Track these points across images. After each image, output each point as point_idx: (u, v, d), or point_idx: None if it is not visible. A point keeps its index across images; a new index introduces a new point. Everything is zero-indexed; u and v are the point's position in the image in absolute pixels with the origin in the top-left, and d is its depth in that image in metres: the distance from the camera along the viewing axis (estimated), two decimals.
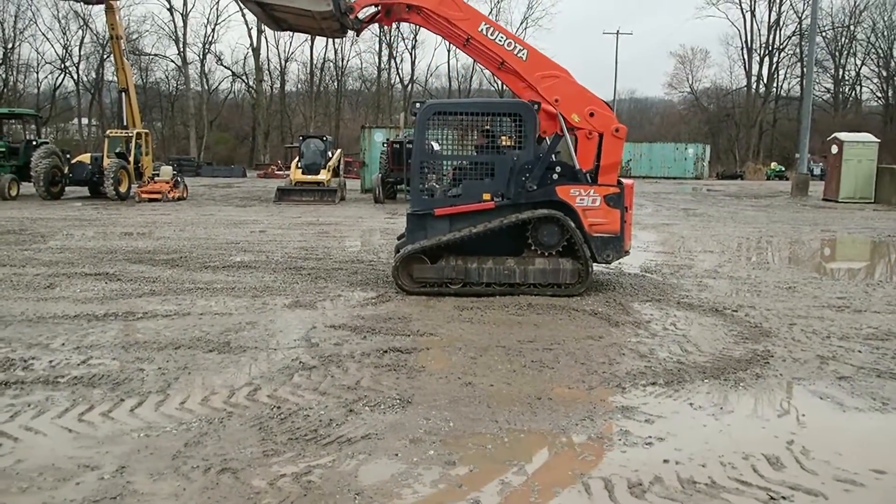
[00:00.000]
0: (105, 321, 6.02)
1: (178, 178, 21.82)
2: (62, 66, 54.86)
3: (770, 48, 59.99)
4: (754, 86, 61.33)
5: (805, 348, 5.41)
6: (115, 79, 24.36)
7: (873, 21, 58.88)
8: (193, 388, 4.36)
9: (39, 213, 16.01)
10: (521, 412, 4.03)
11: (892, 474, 3.33)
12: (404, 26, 58.59)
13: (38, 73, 55.78)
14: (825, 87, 62.37)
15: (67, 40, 55.06)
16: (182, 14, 53.88)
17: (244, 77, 59.28)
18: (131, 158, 21.14)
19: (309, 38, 57.99)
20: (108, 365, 4.79)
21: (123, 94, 22.17)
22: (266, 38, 56.95)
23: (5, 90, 50.98)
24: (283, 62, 60.70)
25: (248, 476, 3.20)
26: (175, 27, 54.72)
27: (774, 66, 60.76)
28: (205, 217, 15.83)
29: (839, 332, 5.93)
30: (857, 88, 63.54)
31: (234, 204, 20.21)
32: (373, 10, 7.74)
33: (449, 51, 60.96)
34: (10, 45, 52.13)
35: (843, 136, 24.48)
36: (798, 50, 58.50)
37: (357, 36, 8.68)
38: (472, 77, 61.55)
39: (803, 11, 54.99)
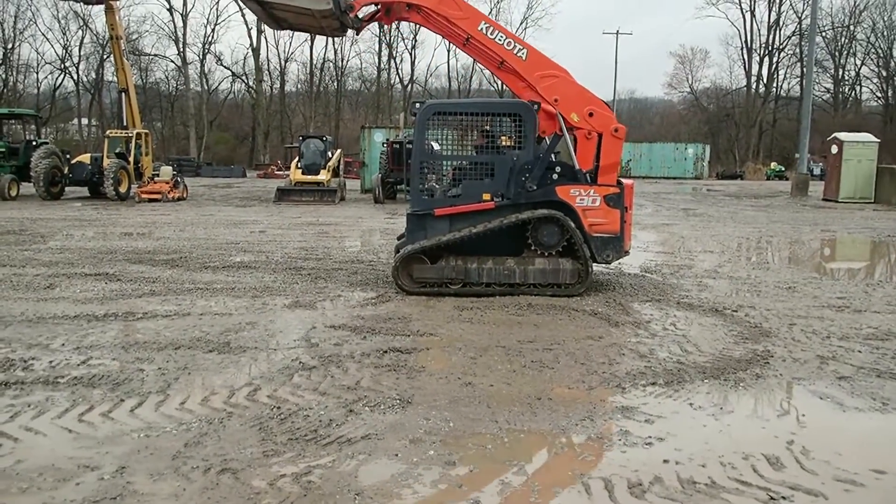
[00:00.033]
0: (105, 321, 6.02)
1: (178, 179, 21.82)
2: (62, 66, 54.93)
3: (770, 48, 60.06)
4: (754, 86, 61.38)
5: (805, 348, 5.41)
6: (115, 79, 24.39)
7: (873, 21, 58.99)
8: (193, 389, 4.36)
9: (39, 214, 16.01)
10: (521, 412, 4.03)
11: (892, 474, 3.33)
12: (404, 26, 58.64)
13: (37, 73, 55.89)
14: (825, 87, 62.46)
15: (67, 40, 55.17)
16: (182, 14, 53.98)
17: (244, 77, 59.35)
18: (131, 159, 21.14)
19: (309, 38, 58.11)
20: (107, 365, 4.79)
21: (123, 94, 22.18)
22: (266, 38, 57.03)
23: (5, 90, 50.99)
24: (282, 62, 60.87)
25: (248, 476, 3.20)
26: (175, 27, 54.81)
27: (774, 66, 60.85)
28: (205, 217, 15.83)
29: (839, 332, 5.93)
30: (857, 88, 63.67)
31: (233, 204, 20.21)
32: (373, 8, 7.74)
33: (449, 51, 61.07)
34: (9, 46, 52.19)
35: (842, 136, 24.48)
36: (798, 50, 58.55)
37: (357, 34, 8.69)
38: (471, 77, 61.64)
39: (803, 11, 55.07)
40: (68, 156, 21.91)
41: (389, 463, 3.37)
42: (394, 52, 60.84)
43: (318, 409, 4.03)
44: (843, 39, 60.22)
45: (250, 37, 56.40)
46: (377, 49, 60.00)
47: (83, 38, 54.28)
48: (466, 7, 7.51)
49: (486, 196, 7.25)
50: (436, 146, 7.88)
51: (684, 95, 66.97)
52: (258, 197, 23.03)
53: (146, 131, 23.31)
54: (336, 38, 56.82)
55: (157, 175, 21.88)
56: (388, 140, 22.93)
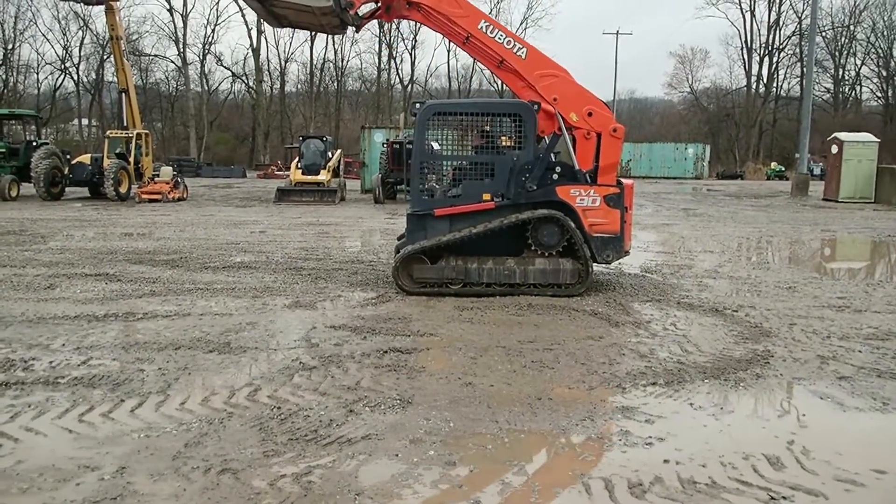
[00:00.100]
0: (105, 322, 6.03)
1: (178, 179, 21.83)
2: (62, 66, 54.95)
3: (770, 48, 60.07)
4: (754, 86, 61.39)
5: (805, 348, 5.41)
6: (115, 79, 24.40)
7: (873, 21, 58.99)
8: (194, 389, 4.36)
9: (39, 214, 16.01)
10: (522, 412, 4.03)
11: (892, 474, 3.33)
12: (404, 26, 58.76)
13: (38, 73, 55.92)
14: (825, 87, 62.46)
15: (67, 41, 55.20)
16: (182, 15, 54.01)
17: (244, 77, 59.37)
18: (131, 159, 21.16)
19: (309, 38, 58.20)
20: (108, 365, 4.79)
21: (123, 94, 22.20)
22: (266, 38, 57.06)
23: (5, 91, 51.01)
24: (282, 63, 60.82)
25: (248, 476, 3.20)
26: (175, 28, 54.85)
27: (774, 66, 60.85)
28: (205, 217, 15.83)
29: (839, 332, 5.92)
30: (857, 88, 63.67)
31: (234, 204, 20.21)
32: (373, 6, 7.75)
33: (449, 51, 61.09)
34: (10, 46, 52.24)
35: (843, 135, 24.48)
36: (798, 50, 58.55)
37: (357, 32, 8.69)
38: (471, 77, 61.65)
39: (803, 11, 55.07)
40: (68, 156, 21.92)
41: (390, 463, 3.37)
42: (394, 53, 60.91)
43: (318, 409, 4.03)
44: (843, 39, 60.30)
45: (250, 37, 56.51)
46: (377, 49, 60.10)
47: (83, 38, 54.42)
48: (466, 5, 7.52)
49: (487, 196, 7.25)
50: (436, 146, 7.88)
51: (684, 95, 67.07)
52: (258, 197, 23.03)
53: (146, 132, 23.32)
54: (336, 39, 56.77)
55: (158, 175, 21.89)
56: (388, 140, 22.93)
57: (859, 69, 61.90)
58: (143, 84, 52.80)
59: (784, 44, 60.08)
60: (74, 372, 4.63)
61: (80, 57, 54.65)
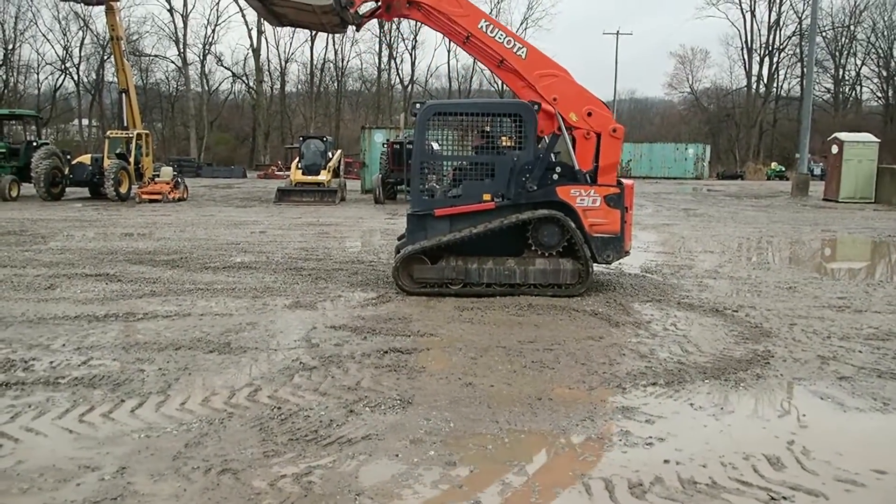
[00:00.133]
0: (105, 322, 6.03)
1: (179, 179, 21.84)
2: (62, 67, 54.97)
3: (770, 48, 60.05)
4: (754, 86, 61.38)
5: (806, 348, 5.40)
6: (116, 80, 24.40)
7: (873, 21, 58.98)
8: (194, 389, 4.36)
9: (40, 214, 16.02)
10: (522, 413, 4.03)
11: (892, 475, 3.33)
12: (404, 26, 58.77)
13: (38, 74, 55.94)
14: (825, 88, 62.44)
15: (68, 41, 55.21)
16: (182, 15, 54.00)
17: (244, 78, 59.37)
18: (132, 159, 21.16)
19: (309, 39, 58.22)
20: (108, 366, 4.79)
21: (124, 94, 22.22)
22: (266, 38, 57.10)
23: (6, 91, 51.02)
24: (283, 63, 60.77)
25: (248, 477, 3.20)
26: (175, 28, 54.86)
27: (774, 66, 60.83)
28: (205, 218, 15.83)
29: (840, 332, 5.92)
30: (858, 88, 63.65)
31: (234, 205, 20.22)
32: (373, 5, 7.75)
33: (449, 51, 61.09)
34: (10, 47, 52.25)
35: (843, 136, 24.48)
36: (798, 50, 58.53)
37: (357, 31, 8.69)
38: (472, 77, 61.65)
39: (803, 11, 55.07)
40: (69, 156, 21.93)
41: (390, 463, 3.37)
42: (394, 53, 60.91)
43: (318, 409, 4.03)
44: (843, 39, 60.27)
45: (251, 37, 56.53)
46: (377, 49, 60.11)
47: (84, 38, 54.44)
48: (466, 5, 7.52)
49: (487, 196, 7.25)
50: (436, 146, 7.88)
51: (685, 96, 67.07)
52: (258, 197, 23.04)
53: (147, 132, 23.32)
54: (336, 39, 56.72)
55: (158, 176, 21.90)
56: (388, 140, 22.93)
57: (859, 69, 62.00)
58: (144, 84, 52.83)
59: (784, 44, 60.14)
60: (75, 372, 4.63)
61: (80, 57, 54.75)
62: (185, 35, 54.26)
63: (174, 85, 58.32)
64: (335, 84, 61.79)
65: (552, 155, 7.40)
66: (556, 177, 7.29)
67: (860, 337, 5.77)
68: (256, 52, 56.51)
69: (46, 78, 56.50)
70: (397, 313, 6.46)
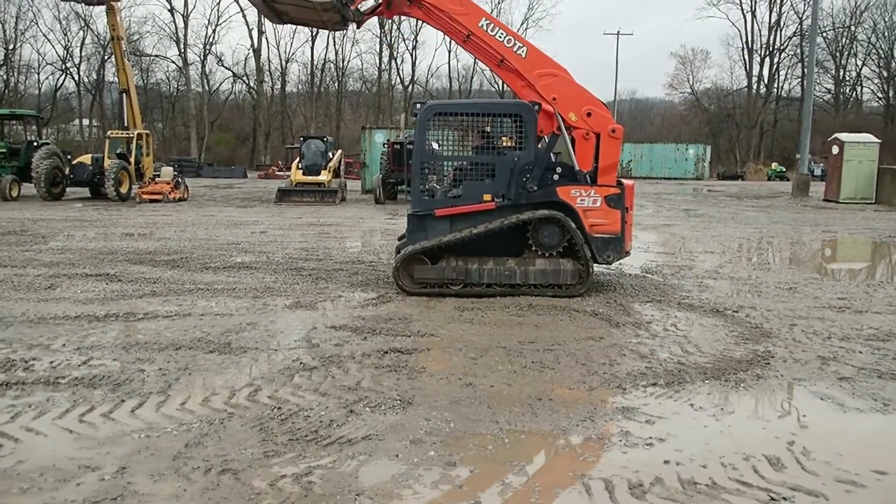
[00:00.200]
0: (106, 322, 6.03)
1: (179, 179, 21.85)
2: (63, 67, 55.01)
3: (771, 49, 60.04)
4: (755, 86, 61.38)
5: (806, 349, 5.40)
6: (116, 80, 24.40)
7: (874, 21, 59.00)
8: (194, 389, 4.36)
9: (40, 214, 16.02)
10: (522, 413, 4.03)
11: (893, 475, 3.33)
12: (405, 26, 58.81)
13: (38, 74, 55.99)
14: (826, 88, 62.45)
15: (68, 41, 55.28)
16: (183, 15, 54.06)
17: (245, 78, 59.39)
18: (132, 159, 21.17)
19: (310, 39, 58.29)
20: (108, 366, 4.79)
21: (124, 94, 22.23)
22: (267, 38, 57.25)
23: (6, 91, 51.05)
24: (283, 63, 60.78)
25: (248, 477, 3.21)
26: (176, 28, 54.92)
27: (775, 66, 60.82)
28: (205, 218, 15.84)
29: (840, 332, 5.92)
30: (858, 89, 63.66)
31: (234, 205, 20.22)
32: (373, 2, 7.76)
33: (450, 51, 61.15)
34: (11, 47, 52.31)
35: (843, 136, 24.47)
36: (799, 50, 58.53)
37: (357, 28, 8.70)
38: (472, 78, 61.67)
39: (804, 12, 55.06)
40: (69, 156, 21.94)
41: (390, 463, 3.37)
42: (395, 53, 60.92)
43: (318, 409, 4.03)
44: (843, 40, 60.27)
45: (251, 37, 56.59)
46: (378, 49, 60.16)
47: (84, 38, 54.49)
48: (467, 3, 7.52)
49: (487, 197, 7.25)
50: (436, 147, 7.88)
51: (685, 96, 67.08)
52: (259, 197, 23.04)
53: (147, 132, 23.33)
54: (337, 39, 56.67)
55: (158, 176, 21.91)
56: (388, 141, 22.93)
57: (860, 70, 62.00)
58: (144, 84, 52.86)
59: (785, 44, 60.14)
60: (75, 372, 4.64)
61: (80, 57, 54.79)
62: (185, 35, 54.37)
63: (175, 85, 58.42)
64: (336, 84, 61.84)
65: (552, 155, 7.41)
66: (556, 177, 7.29)
67: (860, 337, 5.77)
68: (257, 52, 56.58)
69: (47, 78, 56.65)
70: (398, 313, 6.46)
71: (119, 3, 22.16)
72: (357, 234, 13.50)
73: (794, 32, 58.58)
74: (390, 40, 59.78)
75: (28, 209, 17.32)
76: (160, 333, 5.65)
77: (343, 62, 61.09)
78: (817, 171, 39.96)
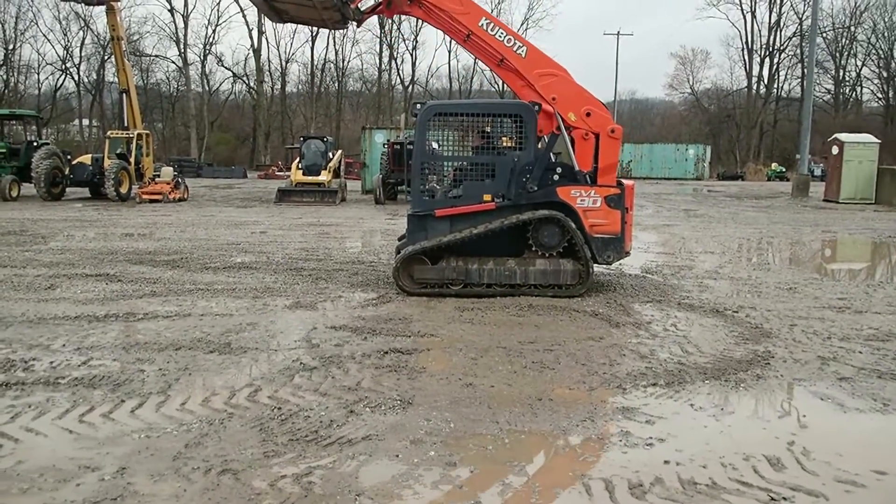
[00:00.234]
0: (106, 322, 6.03)
1: (179, 179, 21.85)
2: (63, 67, 55.03)
3: (770, 49, 60.05)
4: (755, 87, 61.39)
5: (806, 349, 5.40)
6: (116, 80, 24.41)
7: (874, 22, 59.00)
8: (194, 389, 4.36)
9: (40, 214, 16.02)
10: (522, 413, 4.03)
11: (893, 475, 3.33)
12: (405, 27, 58.81)
13: (38, 74, 56.00)
14: (826, 88, 62.45)
15: (68, 41, 55.28)
16: (183, 15, 54.08)
17: (245, 78, 59.39)
18: (132, 159, 21.18)
19: (310, 39, 58.30)
20: (108, 366, 4.79)
21: (124, 95, 22.23)
22: (267, 39, 57.31)
23: (6, 91, 51.06)
24: (283, 63, 60.78)
25: (248, 477, 3.20)
26: (176, 28, 54.93)
27: (775, 66, 60.84)
28: (205, 218, 15.84)
29: (840, 333, 5.92)
30: (858, 89, 63.66)
31: (234, 205, 20.22)
32: (373, 0, 7.77)
33: (450, 52, 61.16)
34: (11, 47, 52.31)
35: (843, 136, 24.48)
36: (798, 51, 58.53)
37: (358, 27, 8.70)
38: (472, 78, 61.67)
39: (804, 12, 55.07)
40: (69, 157, 21.95)
41: (390, 464, 3.37)
42: (395, 53, 60.92)
43: (318, 409, 4.03)
44: (843, 40, 60.28)
45: (251, 37, 56.58)
46: (378, 50, 60.18)
47: (84, 38, 54.50)
48: (467, 2, 7.53)
49: (487, 197, 7.25)
50: (436, 147, 7.89)
51: (685, 96, 67.11)
52: (259, 198, 23.04)
53: (147, 132, 23.33)
54: (337, 40, 56.61)
55: (158, 176, 21.91)
56: (388, 141, 22.93)
57: (860, 70, 62.02)
58: (144, 84, 52.86)
59: (785, 45, 60.15)
60: (75, 372, 4.64)
61: (80, 57, 54.80)
62: (185, 35, 54.38)
63: (175, 85, 58.43)
64: (336, 84, 61.84)
65: (553, 156, 7.41)
66: (556, 177, 7.29)
67: (860, 338, 5.77)
68: (257, 52, 56.59)
69: (47, 78, 56.66)
70: (398, 314, 6.46)
71: (119, 3, 22.16)
72: (357, 234, 13.50)
73: (794, 33, 58.66)
74: (390, 40, 59.83)
75: (28, 209, 17.32)
76: (160, 334, 5.65)
77: (343, 62, 61.19)
78: (817, 172, 39.97)
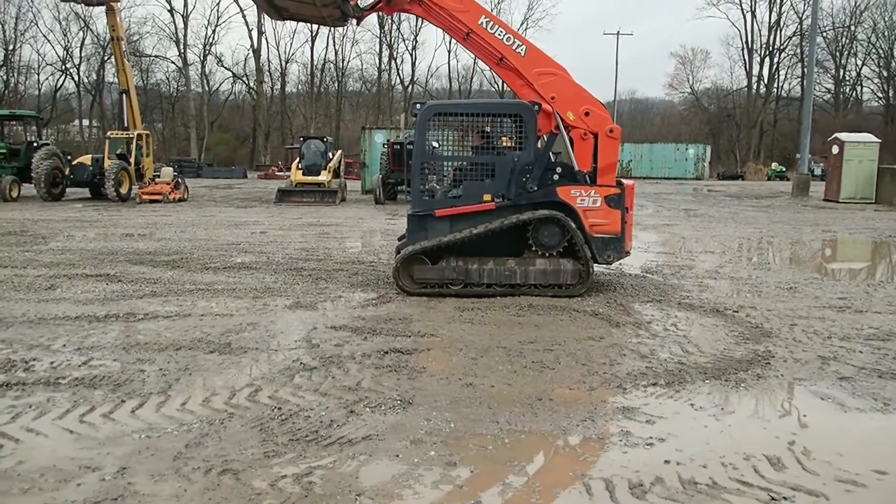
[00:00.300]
0: (106, 322, 6.03)
1: (179, 180, 21.85)
2: (63, 67, 55.03)
3: (771, 48, 60.04)
4: (755, 86, 61.38)
5: (806, 349, 5.40)
6: (116, 80, 24.41)
7: (874, 21, 59.01)
8: (194, 389, 4.36)
9: (40, 215, 16.03)
10: (522, 413, 4.03)
11: (893, 475, 3.33)
12: (405, 27, 58.81)
13: (38, 74, 55.99)
14: (826, 88, 62.45)
15: (68, 42, 55.27)
16: (183, 15, 54.07)
17: (245, 78, 59.39)
18: (132, 160, 21.18)
19: (309, 39, 58.33)
20: (109, 366, 4.79)
21: (124, 95, 22.23)
22: (266, 39, 57.38)
23: (6, 92, 51.06)
24: (283, 63, 60.77)
25: (248, 477, 3.21)
26: (176, 28, 54.92)
27: (775, 66, 60.82)
28: (205, 218, 15.84)
29: (840, 332, 5.92)
30: (858, 89, 63.67)
31: (234, 205, 20.22)
32: None
33: (449, 52, 61.15)
34: (11, 47, 52.31)
35: (843, 136, 24.47)
36: (799, 50, 58.53)
37: (357, 24, 8.70)
38: (472, 78, 61.67)
39: (804, 12, 55.06)
40: (69, 157, 21.95)
41: (390, 464, 3.37)
42: (394, 53, 60.91)
43: (318, 409, 4.03)
44: (843, 40, 60.29)
45: (251, 38, 56.59)
46: (378, 50, 60.17)
47: (84, 39, 54.48)
48: (467, 1, 7.53)
49: (487, 197, 7.25)
50: (436, 146, 7.89)
51: (685, 96, 67.09)
52: (259, 198, 23.04)
53: (147, 132, 23.34)
54: (337, 40, 56.55)
55: (158, 176, 21.92)
56: (388, 141, 22.93)
57: (860, 70, 62.03)
58: (144, 85, 52.86)
59: (785, 44, 60.14)
60: (75, 372, 4.64)
61: (80, 58, 54.79)
62: (185, 35, 54.38)
63: (175, 85, 58.43)
64: (335, 84, 61.83)
65: (553, 156, 7.41)
66: (556, 177, 7.29)
67: (861, 337, 5.77)
68: (257, 52, 56.59)
69: (47, 78, 56.66)
70: (398, 314, 6.46)
71: (119, 4, 22.17)
72: (357, 234, 13.50)
73: (794, 32, 58.65)
74: (390, 40, 59.84)
75: (28, 210, 17.32)
76: (160, 334, 5.66)
77: (343, 62, 61.16)
78: (817, 171, 39.96)
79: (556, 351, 5.25)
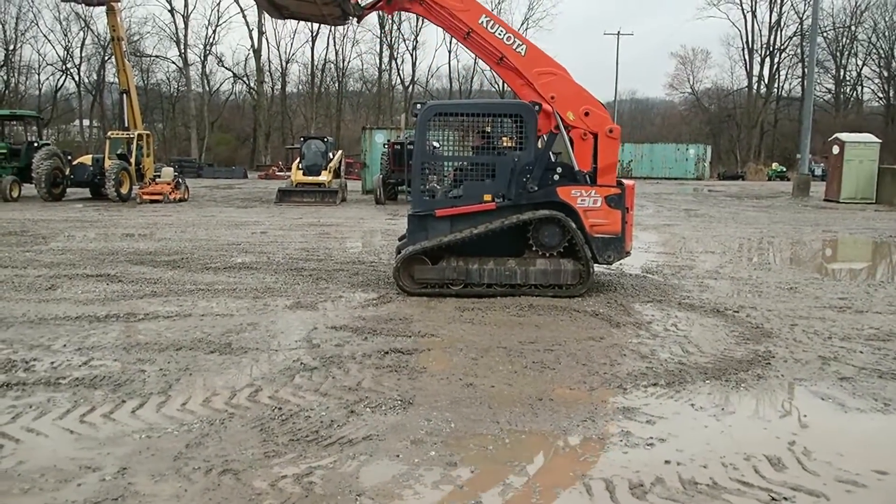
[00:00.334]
0: (106, 322, 6.03)
1: (180, 180, 21.86)
2: (63, 67, 55.05)
3: (771, 49, 60.03)
4: (755, 86, 61.36)
5: (806, 349, 5.40)
6: (117, 80, 24.42)
7: (874, 21, 59.00)
8: (195, 390, 4.36)
9: (41, 215, 16.03)
10: (523, 413, 4.03)
11: (893, 475, 3.32)
12: (405, 27, 58.80)
13: (39, 74, 56.02)
14: (826, 88, 62.45)
15: (69, 42, 55.31)
16: (183, 16, 54.11)
17: (245, 78, 59.41)
18: (132, 160, 21.19)
19: (310, 40, 58.40)
20: (109, 366, 4.79)
21: (125, 95, 22.24)
22: (267, 39, 57.42)
23: (7, 92, 51.08)
24: (284, 63, 60.77)
25: (249, 477, 3.21)
26: (176, 29, 54.96)
27: (775, 66, 60.82)
28: (206, 218, 15.84)
29: (841, 332, 5.92)
30: (859, 89, 63.65)
31: (235, 205, 20.23)
32: None
33: (450, 52, 61.14)
34: (11, 47, 52.33)
35: (844, 136, 24.47)
36: (799, 50, 58.53)
37: (358, 23, 8.70)
38: (472, 78, 61.66)
39: (804, 12, 55.05)
40: (70, 157, 21.95)
41: (391, 464, 3.37)
42: (395, 53, 60.89)
43: (319, 409, 4.03)
44: (844, 40, 60.28)
45: (251, 38, 56.63)
46: (378, 50, 60.16)
47: (84, 39, 54.51)
48: (468, 0, 7.53)
49: (487, 197, 7.25)
50: (436, 146, 7.89)
51: (685, 96, 67.09)
52: (259, 198, 23.05)
53: (147, 132, 23.35)
54: (337, 39, 56.57)
55: (159, 176, 21.92)
56: (389, 141, 22.94)
57: (860, 70, 62.01)
58: (145, 85, 52.88)
59: (785, 44, 60.13)
60: (76, 373, 4.64)
61: (81, 58, 54.81)
62: (185, 36, 54.41)
63: (175, 85, 58.45)
64: (336, 84, 61.84)
65: (553, 156, 7.41)
66: (556, 177, 7.29)
67: (861, 337, 5.77)
68: (257, 52, 56.61)
69: (47, 79, 56.69)
70: (398, 314, 6.46)
71: (119, 4, 22.18)
72: (357, 234, 13.50)
73: (795, 32, 58.64)
74: (390, 40, 59.81)
75: (28, 210, 17.33)
76: (161, 334, 5.66)
77: (343, 62, 61.17)
78: (818, 171, 39.94)
79: (557, 351, 5.25)
